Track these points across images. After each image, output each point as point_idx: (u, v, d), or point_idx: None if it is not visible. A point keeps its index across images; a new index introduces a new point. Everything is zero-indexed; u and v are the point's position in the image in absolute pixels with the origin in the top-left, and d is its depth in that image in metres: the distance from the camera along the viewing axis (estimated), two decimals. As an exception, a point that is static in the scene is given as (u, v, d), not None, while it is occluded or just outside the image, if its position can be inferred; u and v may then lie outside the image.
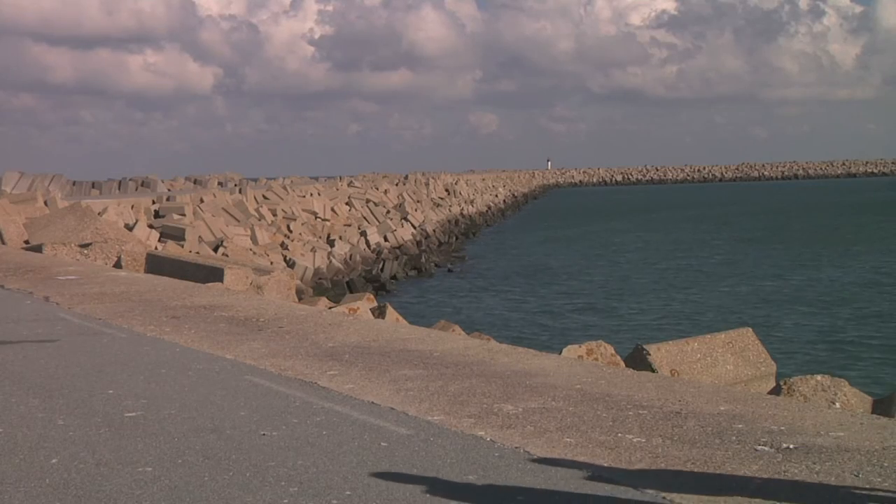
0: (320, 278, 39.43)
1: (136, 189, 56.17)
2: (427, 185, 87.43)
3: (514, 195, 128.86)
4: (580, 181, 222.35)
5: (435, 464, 6.63)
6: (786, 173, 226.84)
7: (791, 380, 10.75)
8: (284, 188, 54.62)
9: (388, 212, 62.43)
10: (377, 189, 70.12)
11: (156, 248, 30.95)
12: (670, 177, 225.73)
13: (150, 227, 35.24)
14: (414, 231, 60.66)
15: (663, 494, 5.90)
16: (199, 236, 36.07)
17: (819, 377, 10.78)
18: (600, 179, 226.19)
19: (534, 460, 6.67)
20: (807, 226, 74.66)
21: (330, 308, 16.77)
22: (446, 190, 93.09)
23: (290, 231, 45.69)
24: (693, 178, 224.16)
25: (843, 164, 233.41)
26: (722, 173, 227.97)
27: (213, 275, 19.28)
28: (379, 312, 16.39)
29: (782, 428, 7.33)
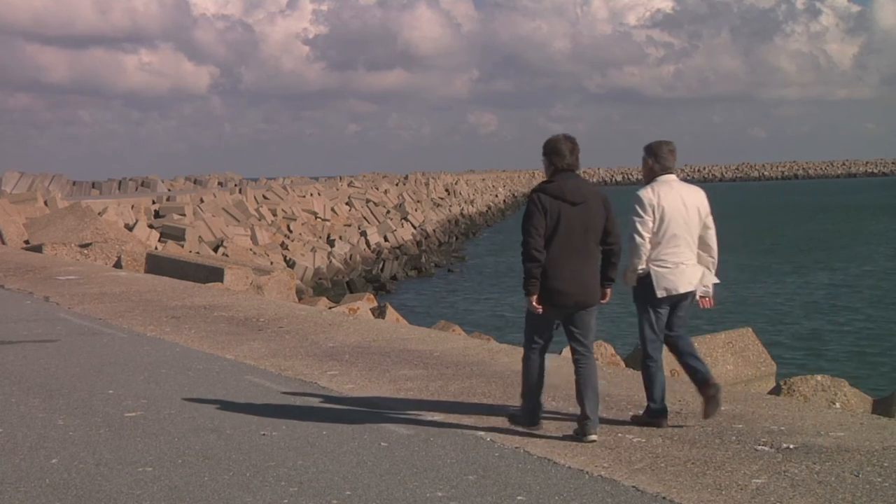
0: (320, 278, 39.43)
1: (136, 189, 56.21)
2: (427, 185, 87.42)
3: (514, 195, 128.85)
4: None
5: (435, 464, 6.62)
6: (786, 173, 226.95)
7: (791, 380, 10.75)
8: (284, 188, 54.65)
9: (388, 212, 62.42)
10: (377, 189, 70.13)
11: (156, 248, 30.95)
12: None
13: (150, 227, 35.25)
14: (414, 231, 60.66)
15: (664, 494, 5.91)
16: (199, 236, 36.07)
17: (819, 377, 10.78)
18: (600, 179, 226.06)
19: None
20: (806, 226, 74.66)
21: (330, 308, 16.77)
22: (446, 190, 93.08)
23: (290, 231, 45.70)
24: (693, 177, 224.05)
25: (844, 164, 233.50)
26: (722, 173, 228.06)
27: (213, 275, 19.27)
28: (379, 312, 16.39)
29: (782, 428, 7.33)
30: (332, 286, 38.03)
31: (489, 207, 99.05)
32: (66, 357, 10.96)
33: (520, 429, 7.28)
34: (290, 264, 37.32)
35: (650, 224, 7.28)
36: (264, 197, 49.67)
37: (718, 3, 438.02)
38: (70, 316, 14.12)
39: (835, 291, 37.28)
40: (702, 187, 7.78)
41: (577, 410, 7.22)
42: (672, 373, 11.72)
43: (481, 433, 7.36)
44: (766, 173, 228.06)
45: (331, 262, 42.91)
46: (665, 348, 7.64)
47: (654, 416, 7.44)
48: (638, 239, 7.27)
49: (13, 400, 8.89)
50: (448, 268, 50.59)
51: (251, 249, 37.50)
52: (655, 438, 7.12)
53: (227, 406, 8.42)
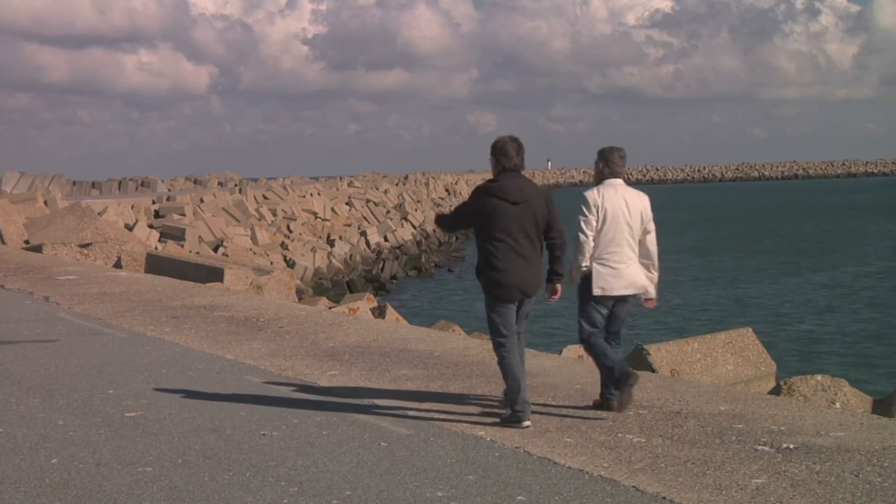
0: (320, 278, 39.44)
1: (136, 189, 56.25)
2: (427, 185, 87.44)
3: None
4: (580, 181, 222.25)
5: (435, 464, 6.62)
6: (786, 173, 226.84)
7: (791, 380, 10.75)
8: (284, 188, 54.68)
9: (388, 212, 62.44)
10: (377, 189, 70.16)
11: (156, 248, 30.96)
12: (670, 177, 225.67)
13: (150, 227, 35.29)
14: (414, 231, 60.67)
15: (664, 494, 5.91)
16: (199, 236, 36.10)
17: (819, 377, 10.78)
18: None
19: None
20: (806, 227, 74.68)
21: (330, 308, 16.77)
22: (446, 190, 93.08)
23: (290, 231, 45.71)
24: (693, 178, 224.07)
25: (844, 164, 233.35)
26: (722, 173, 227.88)
27: (213, 275, 19.27)
28: (379, 312, 16.39)
29: (782, 428, 7.34)
30: (332, 286, 38.03)
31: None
32: (66, 357, 10.96)
33: (511, 427, 7.48)
34: (290, 264, 37.33)
35: (594, 223, 7.74)
36: (264, 197, 49.69)
37: (717, 2, 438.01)
38: (70, 316, 14.12)
39: (834, 292, 37.29)
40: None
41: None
42: (672, 372, 11.73)
43: (481, 433, 7.36)
44: (766, 173, 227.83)
45: (331, 262, 42.91)
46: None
47: (620, 377, 7.58)
48: (582, 237, 7.75)
49: (13, 400, 8.89)
50: (448, 268, 50.62)
51: (251, 249, 37.51)
52: (655, 438, 7.12)
53: (227, 406, 8.42)
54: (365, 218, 57.18)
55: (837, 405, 10.20)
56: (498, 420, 7.64)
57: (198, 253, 31.88)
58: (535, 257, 7.63)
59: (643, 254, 7.90)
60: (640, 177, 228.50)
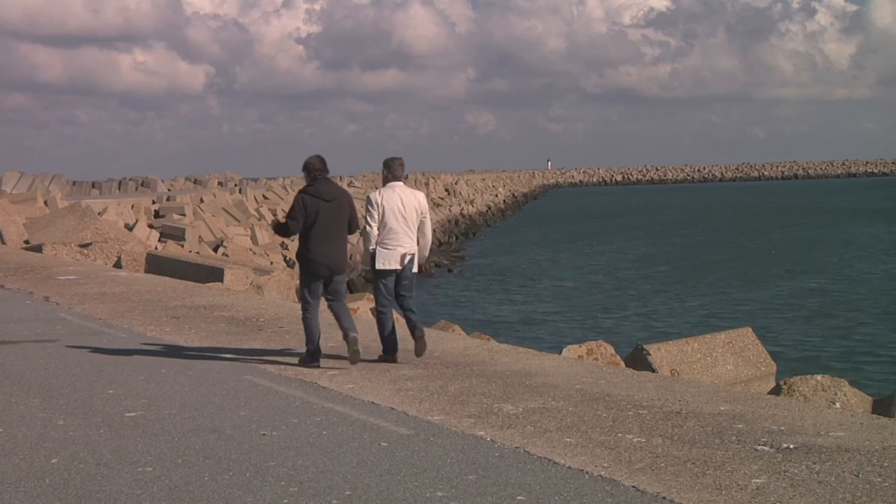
0: (320, 278, 39.38)
1: (136, 189, 56.26)
2: (427, 185, 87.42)
3: (514, 195, 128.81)
4: (580, 181, 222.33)
5: (435, 464, 6.62)
6: (786, 173, 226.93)
7: (791, 380, 10.75)
8: (284, 188, 54.65)
9: (388, 212, 62.29)
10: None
11: (156, 248, 30.94)
12: (670, 177, 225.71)
13: (150, 227, 35.26)
14: (414, 231, 60.51)
15: (664, 494, 5.91)
16: (199, 236, 36.07)
17: (819, 377, 10.78)
18: (600, 179, 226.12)
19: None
20: (807, 228, 74.73)
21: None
22: (446, 190, 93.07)
23: (291, 231, 45.62)
24: (693, 178, 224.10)
25: (843, 164, 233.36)
26: (722, 173, 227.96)
27: (213, 275, 19.27)
28: (379, 312, 16.36)
29: (782, 428, 7.34)
30: (332, 286, 37.97)
31: (489, 207, 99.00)
32: (66, 357, 10.96)
33: (306, 367, 9.91)
34: (291, 264, 37.31)
35: (376, 217, 9.97)
36: (264, 197, 49.70)
37: (713, 1, 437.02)
38: (70, 316, 14.12)
39: (835, 292, 37.29)
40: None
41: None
42: (672, 372, 11.73)
43: (481, 433, 7.37)
44: (766, 173, 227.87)
45: (331, 262, 42.89)
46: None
47: (388, 353, 10.19)
48: (367, 228, 10.02)
49: (13, 400, 8.89)
50: (448, 268, 50.60)
51: (251, 249, 37.51)
52: (655, 438, 7.12)
53: (227, 406, 8.42)
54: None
55: (837, 405, 10.20)
56: (298, 361, 10.06)
57: (198, 253, 31.87)
58: (340, 243, 9.97)
59: (420, 236, 10.13)
60: (640, 177, 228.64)
